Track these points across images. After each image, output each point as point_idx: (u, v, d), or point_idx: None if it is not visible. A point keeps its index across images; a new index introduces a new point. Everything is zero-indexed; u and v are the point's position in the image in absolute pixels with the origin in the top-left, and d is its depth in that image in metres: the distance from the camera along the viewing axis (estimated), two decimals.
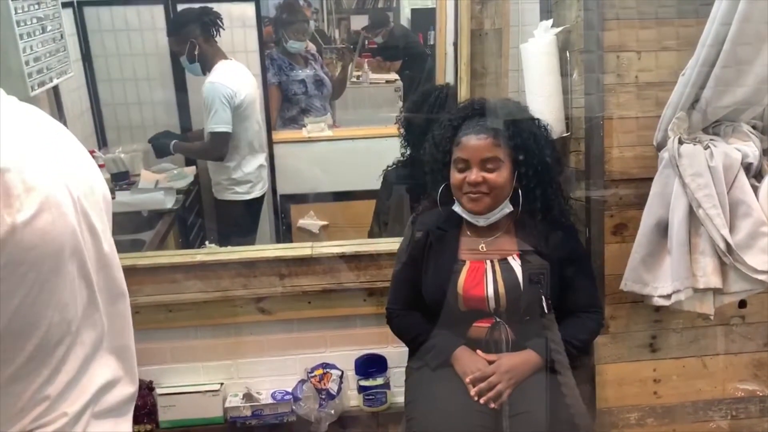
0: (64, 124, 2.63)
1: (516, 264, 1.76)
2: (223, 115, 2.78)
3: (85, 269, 0.85)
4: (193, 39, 2.80)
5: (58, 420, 0.82)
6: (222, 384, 2.24)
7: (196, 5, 2.89)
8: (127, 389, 0.94)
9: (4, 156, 0.74)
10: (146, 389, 2.19)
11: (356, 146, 3.42)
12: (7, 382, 0.78)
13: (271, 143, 3.24)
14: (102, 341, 0.89)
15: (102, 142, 3.13)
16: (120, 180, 2.97)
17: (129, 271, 2.08)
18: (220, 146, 2.84)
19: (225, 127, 2.79)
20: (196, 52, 2.81)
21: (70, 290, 0.82)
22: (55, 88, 2.56)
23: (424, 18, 4.66)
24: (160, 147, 2.94)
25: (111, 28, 3.08)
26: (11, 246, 0.74)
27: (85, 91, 3.04)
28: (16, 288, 0.76)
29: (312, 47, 3.68)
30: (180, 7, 3.06)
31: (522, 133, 1.71)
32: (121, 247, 2.61)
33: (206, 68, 2.84)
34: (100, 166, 2.92)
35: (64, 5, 2.55)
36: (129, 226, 2.76)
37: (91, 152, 2.92)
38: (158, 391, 2.21)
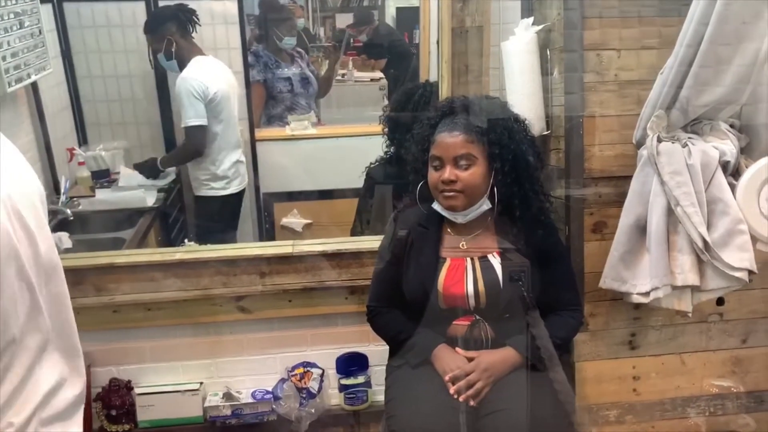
0: (43, 121, 2.63)
1: (496, 261, 1.76)
2: (196, 109, 2.78)
3: (24, 272, 0.82)
4: (169, 36, 2.79)
5: (5, 431, 0.81)
6: (201, 383, 2.22)
7: (173, 2, 2.88)
8: (74, 390, 0.92)
9: None
10: (125, 389, 2.18)
11: (340, 144, 3.42)
12: None
13: (254, 141, 3.22)
14: (47, 344, 0.87)
15: (82, 139, 3.10)
16: (100, 178, 2.94)
17: (107, 270, 2.09)
18: (198, 140, 2.83)
19: (199, 120, 2.79)
20: (173, 49, 2.80)
21: (9, 296, 0.79)
22: (34, 85, 2.54)
23: (409, 16, 4.66)
24: (149, 170, 2.93)
25: (91, 24, 3.05)
26: None
27: (64, 87, 3.01)
28: None
29: None
30: (162, 3, 3.04)
31: (499, 129, 1.71)
32: (101, 246, 2.59)
33: (183, 65, 2.83)
34: (80, 163, 2.89)
35: (43, 1, 2.52)
36: (109, 224, 2.74)
37: (71, 150, 2.91)
38: (137, 390, 2.19)
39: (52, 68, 2.57)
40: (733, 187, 1.83)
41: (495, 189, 1.72)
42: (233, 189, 3.01)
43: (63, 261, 2.21)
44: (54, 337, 0.88)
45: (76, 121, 3.09)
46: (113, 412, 2.14)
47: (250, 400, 2.22)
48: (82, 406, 0.95)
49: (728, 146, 1.84)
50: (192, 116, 2.77)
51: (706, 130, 1.88)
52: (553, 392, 1.72)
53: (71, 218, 2.51)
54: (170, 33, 2.80)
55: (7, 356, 0.80)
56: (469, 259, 1.77)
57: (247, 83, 3.20)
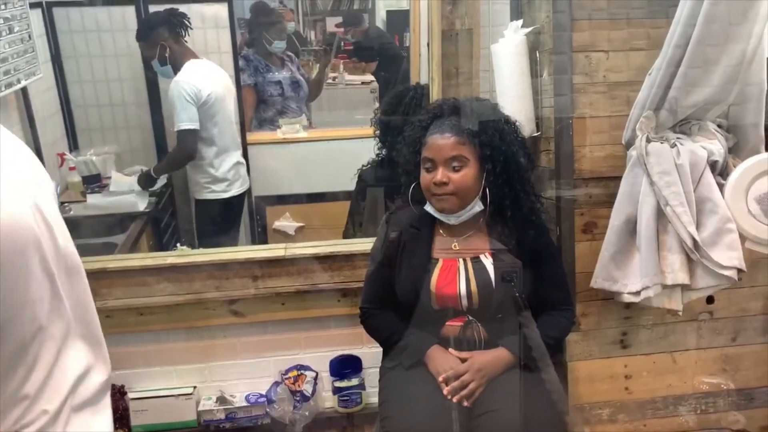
0: (33, 126, 2.63)
1: (488, 262, 1.77)
2: (188, 113, 2.77)
3: (46, 262, 0.84)
4: (162, 42, 2.79)
5: (40, 419, 0.82)
6: (195, 387, 2.22)
7: (162, 7, 2.88)
8: (100, 376, 0.93)
9: None
10: (118, 394, 2.17)
11: (332, 147, 3.42)
12: None
13: (245, 144, 3.22)
14: (69, 331, 0.89)
15: (73, 144, 3.10)
16: (92, 183, 2.94)
17: (99, 274, 2.09)
18: (189, 144, 2.82)
19: (190, 125, 2.78)
20: (166, 55, 2.80)
21: (36, 286, 0.82)
22: (24, 90, 2.53)
23: (400, 19, 4.67)
24: (144, 180, 2.92)
25: (81, 29, 3.04)
26: None
27: (54, 92, 3.00)
28: None
29: None
30: (152, 8, 3.04)
31: (490, 131, 1.72)
32: (93, 251, 2.58)
33: (177, 69, 2.83)
34: (71, 168, 2.89)
35: (33, 6, 2.52)
36: (101, 229, 2.73)
37: (62, 155, 2.90)
38: (130, 395, 2.18)
39: (42, 73, 2.56)
40: (721, 187, 1.85)
41: (487, 190, 1.73)
42: (234, 191, 3.01)
43: None
44: (76, 325, 0.90)
45: (66, 126, 3.09)
46: None
47: (244, 404, 2.22)
48: (109, 392, 0.97)
49: (716, 146, 1.86)
50: (184, 120, 2.77)
51: (695, 131, 1.90)
52: (546, 392, 1.73)
53: None
54: (163, 38, 2.80)
55: (36, 344, 0.82)
56: (461, 260, 1.77)
57: (238, 87, 3.20)
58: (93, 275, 2.06)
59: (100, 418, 0.92)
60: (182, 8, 2.91)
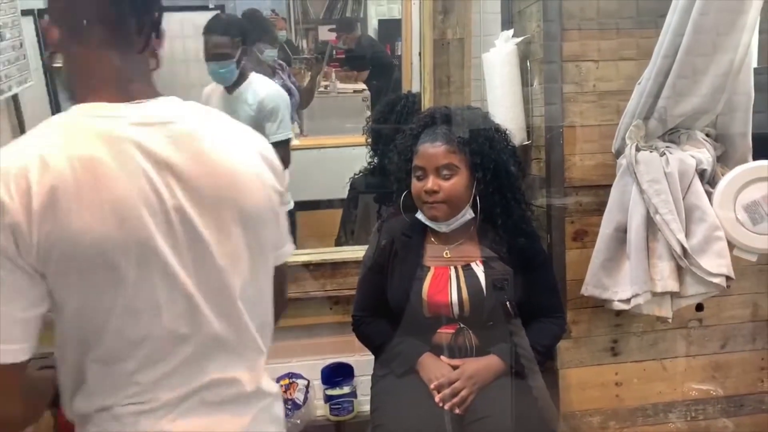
0: (23, 133, 2.61)
1: (479, 270, 1.78)
2: (288, 122, 2.74)
3: (170, 273, 0.89)
4: (246, 45, 2.69)
5: (150, 402, 0.92)
6: None
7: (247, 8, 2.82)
8: (238, 389, 0.98)
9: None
10: None
11: (324, 155, 3.42)
12: (96, 361, 0.89)
13: None
14: (213, 341, 0.94)
15: None
16: None
17: None
18: (289, 154, 2.73)
19: (291, 134, 2.75)
20: (243, 60, 2.69)
21: (145, 297, 0.88)
22: (15, 98, 2.52)
23: (391, 29, 4.68)
24: None
25: None
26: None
27: (46, 100, 2.99)
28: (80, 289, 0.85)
29: None
30: None
31: (480, 140, 1.73)
32: None
33: (242, 78, 2.74)
34: None
35: (24, 13, 2.51)
36: None
37: None
38: None
39: (33, 81, 2.55)
40: (709, 195, 1.87)
41: (477, 198, 1.74)
42: None
43: None
44: (228, 337, 0.99)
45: None
46: None
47: None
48: (249, 405, 1.03)
49: (705, 155, 1.88)
50: (287, 129, 2.72)
51: (683, 139, 1.92)
52: (534, 399, 1.73)
53: None
54: (251, 41, 2.72)
55: (147, 345, 0.92)
56: (452, 268, 1.78)
57: None
58: None
59: (219, 426, 0.97)
60: (175, 15, 2.90)
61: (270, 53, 3.46)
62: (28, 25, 2.77)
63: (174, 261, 0.89)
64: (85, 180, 0.83)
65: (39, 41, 2.94)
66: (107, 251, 0.84)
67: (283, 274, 1.12)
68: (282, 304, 1.13)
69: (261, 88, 2.73)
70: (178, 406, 0.93)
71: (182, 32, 3.08)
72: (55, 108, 3.04)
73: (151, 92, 0.95)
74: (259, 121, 2.66)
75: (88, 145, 0.86)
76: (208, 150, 0.92)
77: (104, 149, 0.86)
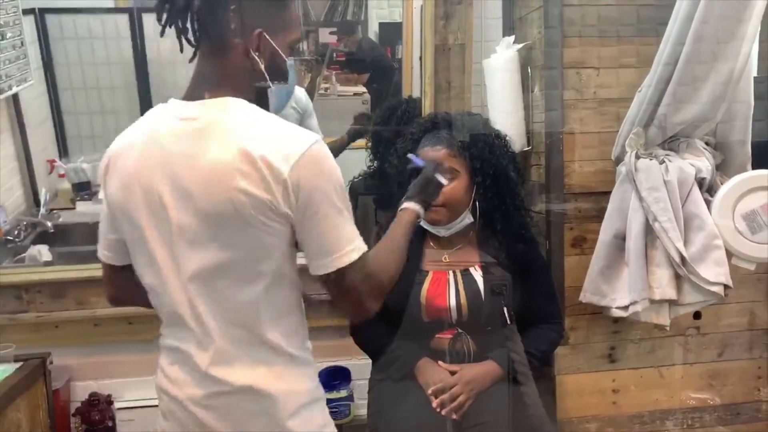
0: (24, 132, 2.61)
1: (478, 275, 1.78)
2: None
3: (145, 241, 1.13)
4: None
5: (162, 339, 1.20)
6: None
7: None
8: (190, 364, 1.14)
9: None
10: (105, 403, 2.16)
11: None
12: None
13: None
14: (173, 313, 1.13)
15: (63, 151, 3.08)
16: (81, 190, 2.91)
17: (88, 283, 2.08)
18: None
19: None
20: None
21: (139, 254, 1.14)
22: (15, 96, 2.52)
23: (392, 32, 4.68)
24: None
25: (74, 36, 3.03)
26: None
27: (46, 99, 2.98)
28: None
29: None
30: (146, 17, 3.04)
31: (480, 145, 1.74)
32: (83, 258, 2.56)
33: None
34: (61, 175, 2.87)
35: (25, 12, 2.51)
36: (91, 237, 2.70)
37: (52, 162, 2.88)
38: (117, 405, 2.17)
39: (33, 80, 2.56)
40: (708, 204, 1.87)
41: (477, 203, 1.74)
42: None
43: (43, 274, 2.18)
44: None
45: (57, 133, 3.07)
46: (93, 427, 2.12)
47: None
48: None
49: (704, 163, 1.88)
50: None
51: (683, 148, 1.92)
52: (524, 405, 1.73)
53: (51, 231, 2.49)
54: None
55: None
56: (451, 272, 1.78)
57: None
58: (82, 283, 2.08)
59: None
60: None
61: None
62: (29, 24, 2.78)
63: (150, 234, 1.09)
64: (119, 158, 1.11)
65: (39, 40, 2.94)
66: (117, 213, 1.12)
67: (338, 282, 1.08)
68: (348, 307, 1.17)
69: (298, 90, 2.82)
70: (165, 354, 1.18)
71: (172, 33, 3.06)
72: (56, 107, 3.04)
73: (216, 92, 1.06)
74: (302, 121, 2.75)
75: (135, 132, 1.11)
76: (200, 146, 1.03)
77: (140, 136, 1.10)
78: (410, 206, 1.43)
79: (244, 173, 0.99)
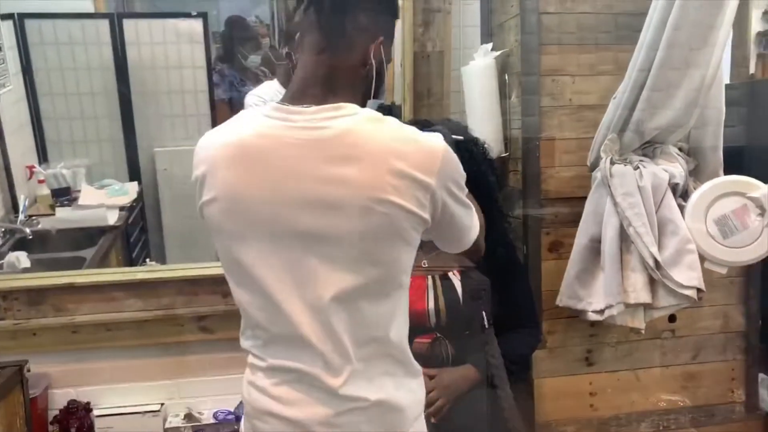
0: (2, 138, 2.60)
1: (456, 280, 1.79)
2: None
3: (261, 250, 1.07)
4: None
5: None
6: (163, 404, 2.20)
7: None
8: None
9: None
10: (83, 411, 2.14)
11: None
12: None
13: None
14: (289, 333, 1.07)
15: (42, 157, 3.07)
16: (61, 196, 2.91)
17: (67, 289, 2.07)
18: None
19: None
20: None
21: (240, 263, 1.05)
22: None
23: None
24: None
25: (53, 42, 3.03)
26: None
27: (25, 104, 2.98)
28: None
29: None
30: (126, 22, 3.04)
31: (459, 151, 1.75)
32: (61, 265, 2.54)
33: None
34: (40, 181, 2.86)
35: (4, 17, 2.51)
36: (70, 244, 2.70)
37: (31, 167, 2.87)
38: (96, 412, 2.15)
39: (12, 85, 2.55)
40: (682, 209, 1.90)
41: None
42: None
43: (21, 281, 2.16)
44: None
45: (36, 139, 3.06)
46: None
47: (212, 421, 2.20)
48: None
49: (677, 169, 1.92)
50: None
51: (657, 153, 1.96)
52: (500, 409, 1.75)
53: (30, 237, 2.47)
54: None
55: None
56: (430, 278, 1.79)
57: (212, 103, 3.21)
58: (61, 290, 2.07)
59: None
60: (156, 22, 2.91)
61: (254, 60, 3.48)
62: (7, 29, 2.77)
63: (268, 246, 1.01)
64: (219, 165, 1.02)
65: (18, 45, 2.93)
66: (218, 223, 1.04)
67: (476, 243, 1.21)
68: (469, 256, 1.33)
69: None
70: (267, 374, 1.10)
71: (164, 38, 3.09)
72: (35, 112, 3.03)
73: (328, 98, 1.02)
74: None
75: (239, 137, 1.03)
76: (337, 158, 0.98)
77: (248, 143, 1.02)
78: None
79: (395, 188, 0.97)
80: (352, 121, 0.99)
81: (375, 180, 0.96)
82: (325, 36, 1.02)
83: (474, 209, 1.16)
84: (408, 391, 1.12)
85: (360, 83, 1.06)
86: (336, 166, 0.97)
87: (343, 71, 1.03)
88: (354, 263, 1.00)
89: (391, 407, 1.08)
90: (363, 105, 1.05)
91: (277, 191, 0.99)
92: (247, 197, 1.00)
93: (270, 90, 2.87)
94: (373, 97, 1.08)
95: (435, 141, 1.02)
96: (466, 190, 1.10)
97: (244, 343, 1.14)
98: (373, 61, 1.04)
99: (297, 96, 1.03)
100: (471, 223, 1.15)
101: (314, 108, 1.00)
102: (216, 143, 1.04)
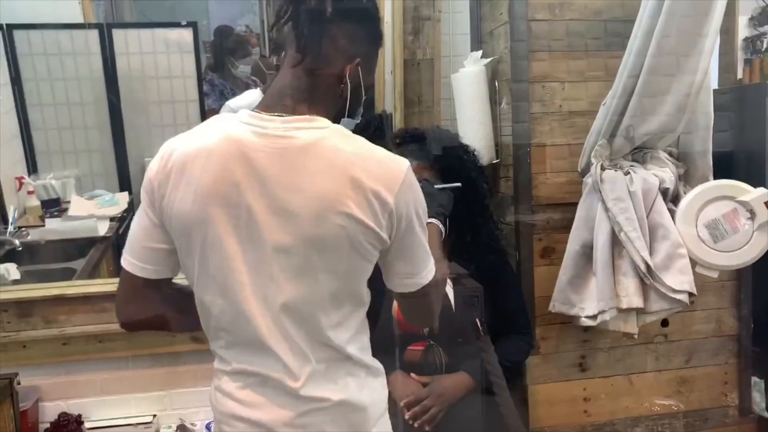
0: None
1: (449, 287, 1.79)
2: None
3: (225, 258, 1.07)
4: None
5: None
6: (155, 416, 2.18)
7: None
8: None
9: None
10: (74, 423, 2.12)
11: None
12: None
13: None
14: (250, 336, 1.09)
15: (32, 167, 3.04)
16: (51, 207, 2.88)
17: (57, 301, 2.05)
18: None
19: None
20: None
21: (208, 271, 1.06)
22: None
23: None
24: None
25: (42, 52, 3.01)
26: None
27: (14, 115, 2.95)
28: None
29: None
30: (116, 32, 3.03)
31: (449, 159, 1.76)
32: (51, 276, 2.52)
33: None
34: (30, 192, 2.83)
35: None
36: (60, 255, 2.68)
37: (20, 178, 2.85)
38: (87, 425, 2.13)
39: (1, 96, 2.53)
40: (672, 213, 1.91)
41: (447, 216, 1.76)
42: None
43: (10, 293, 2.14)
44: None
45: (25, 150, 3.03)
46: None
47: None
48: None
49: (667, 174, 1.93)
50: None
51: (647, 159, 1.97)
52: (500, 416, 1.75)
53: (19, 248, 2.45)
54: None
55: None
56: None
57: (203, 112, 3.19)
58: (51, 302, 2.06)
59: None
60: (145, 32, 2.90)
61: (243, 69, 3.48)
62: None
63: (233, 249, 1.02)
64: (188, 167, 1.03)
65: (7, 55, 2.91)
66: (184, 223, 1.03)
67: (417, 299, 1.15)
68: (422, 319, 1.29)
69: None
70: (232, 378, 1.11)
71: (154, 48, 3.08)
72: (24, 123, 3.01)
73: (301, 110, 1.04)
74: None
75: (209, 141, 1.03)
76: (300, 168, 1.00)
77: (216, 147, 1.02)
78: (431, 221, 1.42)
79: (354, 200, 0.99)
80: (321, 134, 1.01)
81: (334, 191, 0.99)
82: (300, 51, 1.05)
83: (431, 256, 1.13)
84: (371, 391, 1.14)
85: (334, 100, 1.08)
86: (298, 175, 1.00)
87: (317, 86, 1.06)
88: (309, 272, 1.02)
89: (353, 407, 1.10)
90: (336, 122, 1.07)
91: (243, 196, 1.01)
92: (216, 199, 1.01)
93: (247, 99, 2.87)
94: (348, 116, 1.10)
95: (399, 162, 1.04)
96: (425, 224, 1.10)
97: (211, 344, 1.15)
98: (348, 81, 1.06)
99: (271, 105, 1.05)
100: (427, 255, 1.12)
101: (285, 117, 1.03)
102: (188, 145, 1.05)
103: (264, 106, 1.06)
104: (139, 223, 1.10)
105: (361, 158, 1.01)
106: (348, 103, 1.08)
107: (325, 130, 1.03)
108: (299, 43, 1.04)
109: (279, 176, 1.00)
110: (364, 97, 1.12)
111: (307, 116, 1.03)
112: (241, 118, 1.05)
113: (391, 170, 1.03)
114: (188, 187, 1.02)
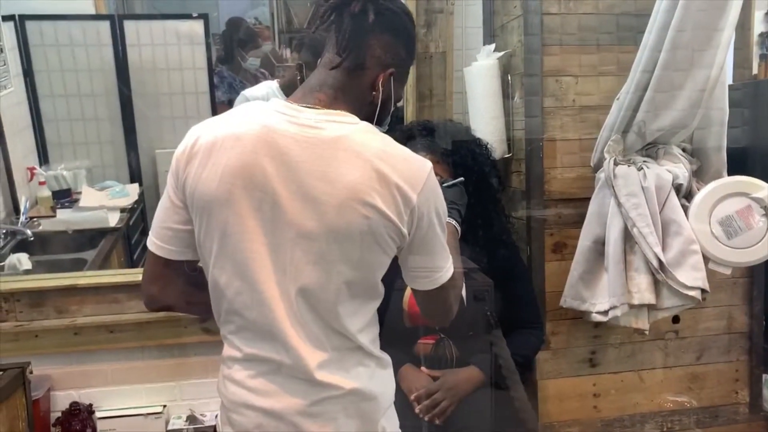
0: (3, 140, 2.59)
1: None
2: None
3: (247, 239, 1.09)
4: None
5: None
6: (165, 406, 2.19)
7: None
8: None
9: None
10: (86, 413, 2.13)
11: None
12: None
13: None
14: (268, 317, 1.10)
15: (44, 158, 3.06)
16: (62, 198, 2.90)
17: (69, 291, 2.06)
18: None
19: None
20: None
21: (226, 252, 1.08)
22: None
23: None
24: None
25: (54, 43, 3.02)
26: None
27: (26, 106, 2.96)
28: None
29: None
30: (127, 23, 3.03)
31: (461, 152, 1.75)
32: (63, 267, 2.53)
33: None
34: (41, 183, 2.85)
35: (5, 18, 2.50)
36: (71, 245, 2.69)
37: (32, 169, 2.86)
38: (98, 414, 2.14)
39: (13, 87, 2.54)
40: (685, 209, 1.90)
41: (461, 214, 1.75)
42: None
43: (22, 283, 2.16)
44: None
45: (37, 141, 3.05)
46: None
47: (215, 423, 2.19)
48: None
49: (681, 170, 1.91)
50: None
51: (660, 154, 1.95)
52: (515, 410, 1.75)
53: (31, 239, 2.47)
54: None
55: None
56: None
57: (213, 104, 3.20)
58: (62, 292, 2.07)
59: None
60: (156, 23, 2.91)
61: (253, 62, 3.48)
62: (8, 31, 2.76)
63: (255, 231, 1.04)
64: (216, 149, 1.05)
65: (19, 47, 2.92)
66: (207, 201, 1.05)
67: (435, 296, 1.17)
68: (439, 317, 1.28)
69: None
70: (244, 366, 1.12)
71: (165, 40, 3.08)
72: (36, 114, 3.02)
73: (333, 106, 1.08)
74: None
75: (240, 126, 1.06)
76: (329, 158, 1.03)
77: (247, 131, 1.05)
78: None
79: (379, 193, 1.02)
80: (351, 128, 1.05)
81: (361, 183, 1.02)
82: (339, 54, 1.09)
83: (450, 257, 1.16)
84: (381, 381, 1.17)
85: (364, 106, 1.12)
86: (327, 164, 1.02)
87: (350, 89, 1.10)
88: (329, 260, 1.04)
89: (364, 396, 1.13)
90: None
91: (270, 180, 1.03)
92: (243, 181, 1.03)
93: (262, 90, 2.86)
94: (376, 124, 1.14)
95: (423, 162, 1.08)
96: (445, 224, 1.13)
97: (222, 329, 1.17)
98: (381, 89, 1.11)
99: (305, 98, 1.09)
100: (447, 253, 1.15)
101: (319, 110, 1.07)
102: (218, 128, 1.08)
103: (297, 98, 1.10)
104: (163, 204, 1.13)
105: (388, 154, 1.04)
106: (377, 111, 1.13)
107: (355, 125, 1.06)
108: (339, 47, 1.09)
109: (308, 164, 1.03)
110: (393, 108, 1.16)
111: (338, 111, 1.07)
112: (275, 107, 1.08)
113: (416, 169, 1.06)
114: (215, 167, 1.05)
